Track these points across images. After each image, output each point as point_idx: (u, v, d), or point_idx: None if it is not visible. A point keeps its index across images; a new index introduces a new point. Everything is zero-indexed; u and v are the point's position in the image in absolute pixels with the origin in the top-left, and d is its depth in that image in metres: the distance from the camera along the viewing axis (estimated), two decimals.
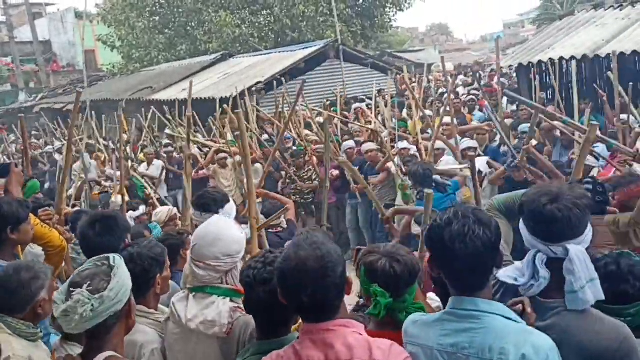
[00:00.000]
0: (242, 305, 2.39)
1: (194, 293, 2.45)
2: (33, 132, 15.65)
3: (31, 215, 3.36)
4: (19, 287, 2.54)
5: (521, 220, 2.01)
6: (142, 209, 5.57)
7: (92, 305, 1.95)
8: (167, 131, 11.65)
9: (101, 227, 3.07)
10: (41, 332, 2.63)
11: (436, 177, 5.60)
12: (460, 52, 39.68)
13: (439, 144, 7.03)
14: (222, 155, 9.04)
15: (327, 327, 1.80)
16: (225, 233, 2.45)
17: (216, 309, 2.36)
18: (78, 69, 31.84)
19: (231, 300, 2.42)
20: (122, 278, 2.09)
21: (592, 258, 1.98)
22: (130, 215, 5.41)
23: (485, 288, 1.83)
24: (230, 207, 3.61)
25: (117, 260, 2.15)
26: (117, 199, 6.57)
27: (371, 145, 7.71)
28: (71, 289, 2.00)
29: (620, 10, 10.47)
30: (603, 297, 1.88)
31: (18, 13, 33.81)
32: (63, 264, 3.82)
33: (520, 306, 1.89)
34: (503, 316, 1.78)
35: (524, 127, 7.24)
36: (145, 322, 2.54)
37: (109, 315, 2.00)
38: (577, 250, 1.87)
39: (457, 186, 6.02)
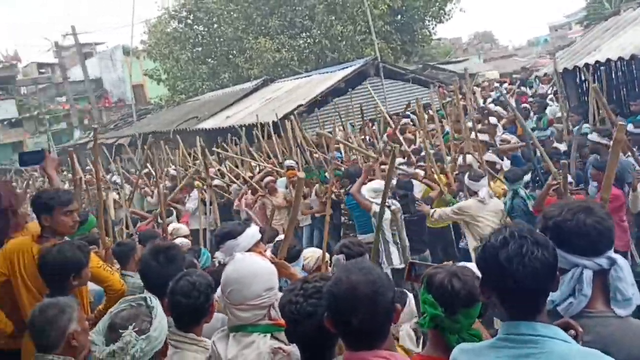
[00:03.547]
0: (283, 344, 2.34)
1: (233, 333, 2.41)
2: (87, 168, 16.12)
3: (93, 256, 3.45)
4: (47, 325, 2.58)
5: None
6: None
7: (141, 346, 2.04)
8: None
9: (164, 257, 3.08)
10: None
11: None
12: (506, 58, 38.89)
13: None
14: (269, 179, 8.52)
15: (367, 357, 1.78)
16: (258, 267, 2.44)
17: (256, 349, 2.31)
18: (128, 103, 32.98)
19: (272, 336, 2.37)
20: (161, 317, 2.17)
21: None
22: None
23: (542, 312, 1.74)
24: (247, 235, 3.38)
25: (154, 301, 2.22)
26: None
27: None
28: (120, 330, 2.08)
29: None
30: None
31: (70, 54, 35.34)
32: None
33: (572, 331, 1.80)
34: (562, 340, 1.69)
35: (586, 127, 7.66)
36: (195, 349, 2.54)
37: (153, 354, 2.10)
38: (621, 258, 1.89)
39: None
